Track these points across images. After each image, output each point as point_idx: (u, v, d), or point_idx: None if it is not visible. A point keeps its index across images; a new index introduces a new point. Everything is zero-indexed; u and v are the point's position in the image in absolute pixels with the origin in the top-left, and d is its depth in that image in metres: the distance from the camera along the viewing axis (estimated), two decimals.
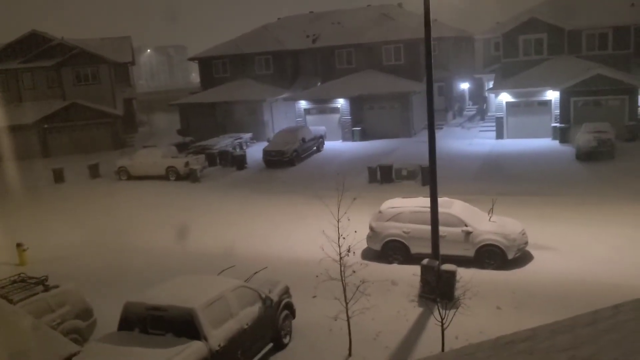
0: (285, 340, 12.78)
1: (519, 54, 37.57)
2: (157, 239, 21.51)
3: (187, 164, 31.93)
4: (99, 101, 46.06)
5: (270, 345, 12.27)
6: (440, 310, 11.23)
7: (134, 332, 10.77)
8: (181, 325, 10.46)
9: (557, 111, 33.50)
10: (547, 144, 32.77)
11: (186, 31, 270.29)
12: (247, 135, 39.43)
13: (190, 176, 31.38)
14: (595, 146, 28.04)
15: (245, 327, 11.35)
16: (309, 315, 13.57)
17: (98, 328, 13.29)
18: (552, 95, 33.78)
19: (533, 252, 17.10)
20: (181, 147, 37.12)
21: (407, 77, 39.53)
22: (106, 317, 12.90)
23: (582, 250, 17.12)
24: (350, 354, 12.03)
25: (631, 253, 16.52)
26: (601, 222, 19.40)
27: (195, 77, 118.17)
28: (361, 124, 38.85)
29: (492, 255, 16.35)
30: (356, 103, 38.88)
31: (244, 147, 37.66)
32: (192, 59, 50.00)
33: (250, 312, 11.69)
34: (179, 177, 31.82)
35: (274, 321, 12.43)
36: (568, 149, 30.50)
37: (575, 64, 34.80)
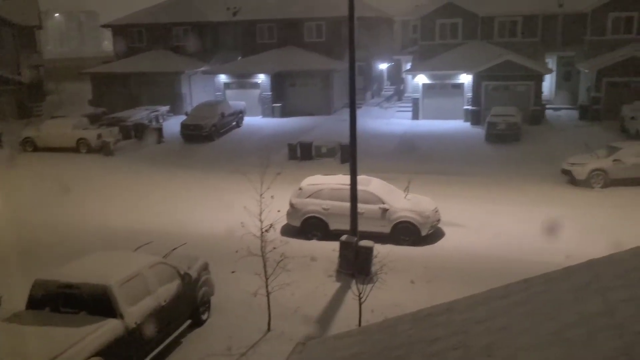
0: (204, 317, 12.70)
1: (435, 37, 38.68)
2: (68, 214, 20.57)
3: (99, 136, 30.62)
4: (2, 67, 42.89)
5: (189, 322, 12.16)
6: (358, 285, 11.55)
7: (44, 310, 10.33)
8: (96, 302, 10.12)
9: (470, 94, 34.90)
10: (459, 125, 34.12)
11: None
12: (164, 108, 38.23)
13: (102, 149, 30.13)
14: (503, 129, 29.56)
15: (163, 304, 11.17)
16: (228, 292, 13.54)
17: (3, 307, 12.61)
18: (465, 79, 35.12)
19: (445, 229, 17.90)
20: (93, 119, 35.41)
21: (329, 55, 39.68)
22: (12, 296, 12.27)
23: (489, 227, 18.10)
24: (269, 329, 12.15)
25: (533, 229, 17.64)
26: (507, 201, 20.60)
27: (107, 45, 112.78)
28: (282, 101, 38.70)
29: (407, 232, 16.96)
30: (277, 79, 38.63)
31: (161, 121, 36.55)
32: (105, 26, 47.63)
33: (169, 289, 11.50)
34: (91, 150, 30.48)
35: (192, 298, 12.30)
36: (478, 131, 31.93)
37: (487, 49, 36.31)
